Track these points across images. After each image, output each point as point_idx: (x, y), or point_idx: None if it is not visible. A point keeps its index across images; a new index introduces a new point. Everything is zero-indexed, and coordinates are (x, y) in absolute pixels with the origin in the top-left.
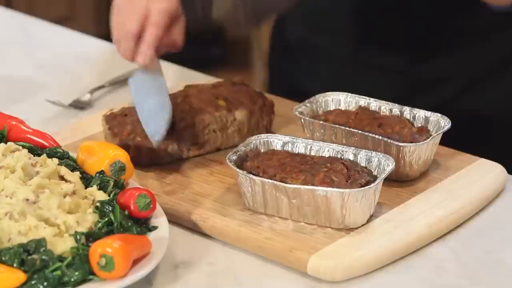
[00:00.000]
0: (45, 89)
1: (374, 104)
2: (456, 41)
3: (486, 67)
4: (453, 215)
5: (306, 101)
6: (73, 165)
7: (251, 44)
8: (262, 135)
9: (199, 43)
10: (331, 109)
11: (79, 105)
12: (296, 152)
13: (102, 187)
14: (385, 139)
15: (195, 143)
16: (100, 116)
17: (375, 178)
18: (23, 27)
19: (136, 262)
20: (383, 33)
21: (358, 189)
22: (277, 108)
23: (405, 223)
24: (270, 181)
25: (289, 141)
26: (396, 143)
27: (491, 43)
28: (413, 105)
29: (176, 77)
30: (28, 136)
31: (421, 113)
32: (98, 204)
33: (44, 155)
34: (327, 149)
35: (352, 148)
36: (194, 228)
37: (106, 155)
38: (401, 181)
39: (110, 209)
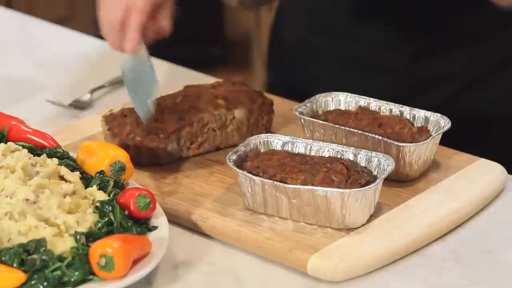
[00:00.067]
0: (45, 89)
1: (374, 104)
2: (456, 41)
3: (486, 67)
4: (453, 215)
5: (306, 101)
6: (73, 165)
7: (251, 44)
8: (262, 135)
9: (199, 43)
10: (331, 109)
11: (79, 105)
12: (296, 152)
13: (102, 187)
14: (385, 139)
15: (194, 141)
16: (100, 116)
17: (375, 178)
18: (23, 27)
19: (136, 262)
20: (383, 33)
21: (358, 189)
22: (276, 108)
23: (405, 223)
24: (270, 181)
25: (289, 141)
26: (396, 143)
27: (491, 43)
28: (413, 105)
29: (176, 77)
30: (28, 136)
31: (421, 113)
32: (98, 204)
33: (44, 155)
34: (327, 149)
35: (352, 148)
36: (194, 228)
37: (106, 155)
38: (401, 181)
39: (110, 209)
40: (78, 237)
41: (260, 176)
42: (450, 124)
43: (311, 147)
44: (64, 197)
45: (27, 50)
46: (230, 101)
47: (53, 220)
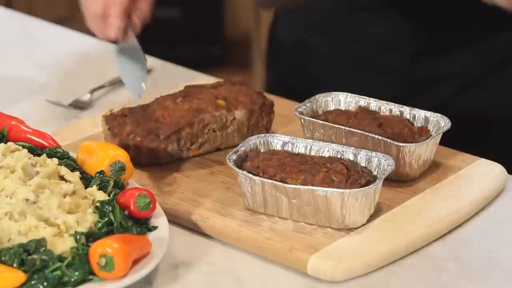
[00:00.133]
0: (45, 89)
1: (374, 104)
2: (456, 41)
3: (486, 67)
4: (453, 215)
5: (306, 101)
6: (73, 165)
7: (251, 44)
8: (262, 135)
9: (199, 43)
10: (331, 109)
11: (79, 105)
12: (296, 152)
13: (102, 187)
14: (385, 139)
15: (195, 142)
16: (100, 116)
17: (375, 178)
18: (23, 27)
19: (136, 262)
20: (383, 33)
21: (358, 189)
22: (277, 108)
23: (405, 223)
24: (270, 181)
25: (289, 141)
26: (396, 143)
27: (491, 43)
28: (413, 105)
29: (176, 77)
30: (28, 136)
31: (421, 113)
32: (98, 204)
33: (44, 155)
34: (327, 149)
35: (352, 148)
36: (194, 228)
37: (106, 155)
38: (401, 181)
39: (110, 209)
40: (78, 237)
41: (260, 176)
42: (450, 124)
43: (311, 147)
44: (64, 197)
45: (27, 50)
46: (231, 101)
47: (53, 220)
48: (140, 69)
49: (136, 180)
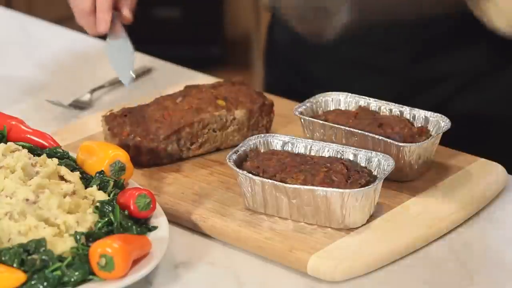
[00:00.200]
0: (45, 89)
1: (374, 104)
2: (456, 41)
3: (486, 67)
4: (453, 215)
5: (306, 101)
6: (73, 165)
7: (251, 44)
8: (262, 135)
9: (199, 43)
10: (331, 109)
11: (79, 105)
12: (296, 152)
13: (102, 187)
14: (385, 139)
15: (195, 142)
16: (100, 116)
17: (375, 178)
18: (23, 27)
19: (136, 262)
20: (382, 33)
21: (358, 189)
22: (277, 108)
23: (405, 223)
24: (270, 181)
25: (289, 141)
26: (396, 143)
27: (491, 43)
28: (413, 105)
29: (176, 77)
30: (28, 136)
31: (421, 113)
32: (98, 204)
33: (44, 155)
34: (327, 149)
35: (352, 148)
36: (194, 228)
37: (106, 155)
38: (401, 181)
39: (110, 209)
40: (78, 237)
41: (260, 176)
42: (450, 124)
43: (311, 147)
44: (64, 197)
45: (27, 50)
46: (231, 101)
47: (53, 220)
48: (128, 57)
49: (136, 180)
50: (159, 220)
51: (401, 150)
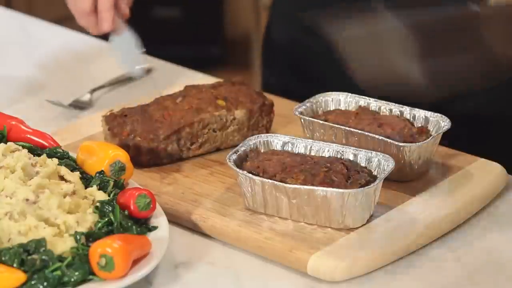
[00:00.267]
0: (45, 89)
1: (374, 104)
2: (456, 40)
3: (486, 68)
4: (453, 215)
5: (306, 101)
6: (73, 165)
7: (251, 44)
8: (262, 135)
9: (199, 43)
10: (331, 109)
11: (79, 105)
12: (296, 152)
13: (102, 187)
14: (385, 139)
15: (195, 142)
16: (100, 116)
17: (375, 178)
18: (23, 27)
19: (136, 262)
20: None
21: (358, 189)
22: (277, 108)
23: (405, 223)
24: (270, 181)
25: (289, 141)
26: (396, 143)
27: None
28: (413, 105)
29: (176, 77)
30: (28, 136)
31: (421, 113)
32: (98, 204)
33: (44, 155)
34: (327, 149)
35: (352, 148)
36: (194, 228)
37: (106, 155)
38: (401, 181)
39: (110, 209)
40: (78, 237)
41: (260, 176)
42: (450, 124)
43: (311, 147)
44: (64, 197)
45: (27, 50)
46: (231, 101)
47: (53, 220)
48: (136, 50)
49: (136, 180)
50: (159, 220)
51: (401, 150)
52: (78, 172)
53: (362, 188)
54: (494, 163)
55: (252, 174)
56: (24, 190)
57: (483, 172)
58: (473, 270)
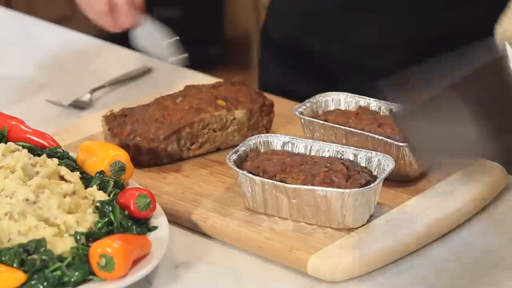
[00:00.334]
0: (45, 89)
1: (374, 104)
2: (455, 40)
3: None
4: (453, 215)
5: (306, 101)
6: (73, 165)
7: (251, 44)
8: (262, 135)
9: (199, 43)
10: (331, 109)
11: (79, 105)
12: (296, 152)
13: (102, 187)
14: (385, 139)
15: (195, 142)
16: (100, 116)
17: (375, 178)
18: (23, 27)
19: (136, 262)
20: (376, 33)
21: (358, 189)
22: (277, 108)
23: (405, 223)
24: (270, 181)
25: (289, 141)
26: (396, 143)
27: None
28: None
29: (176, 77)
30: (28, 136)
31: None
32: (98, 204)
33: (44, 155)
34: (327, 149)
35: (352, 148)
36: (194, 228)
37: (106, 155)
38: (401, 181)
39: (110, 209)
40: (78, 237)
41: (260, 176)
42: None
43: (311, 147)
44: (64, 197)
45: (27, 50)
46: (231, 101)
47: (53, 220)
48: (164, 36)
49: (136, 180)
50: (159, 220)
51: (401, 150)
52: (78, 172)
53: (362, 188)
54: (494, 163)
55: (252, 174)
56: (24, 190)
57: (483, 172)
58: (473, 270)
